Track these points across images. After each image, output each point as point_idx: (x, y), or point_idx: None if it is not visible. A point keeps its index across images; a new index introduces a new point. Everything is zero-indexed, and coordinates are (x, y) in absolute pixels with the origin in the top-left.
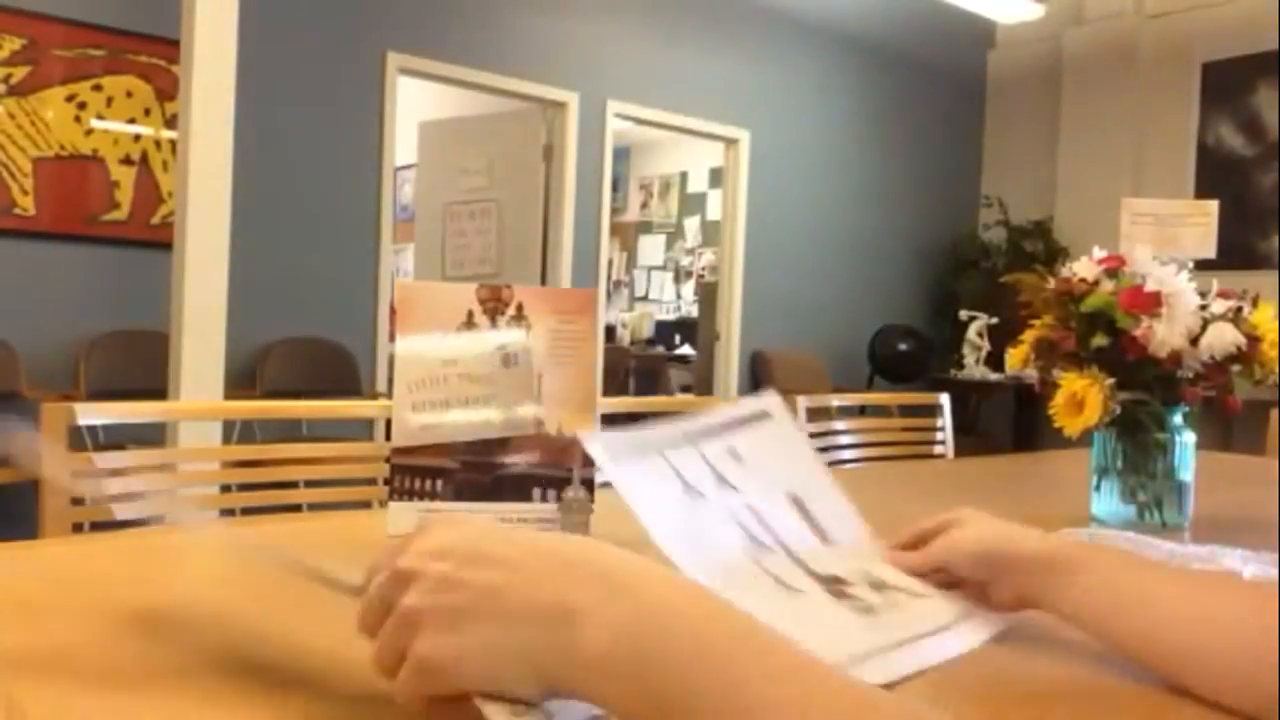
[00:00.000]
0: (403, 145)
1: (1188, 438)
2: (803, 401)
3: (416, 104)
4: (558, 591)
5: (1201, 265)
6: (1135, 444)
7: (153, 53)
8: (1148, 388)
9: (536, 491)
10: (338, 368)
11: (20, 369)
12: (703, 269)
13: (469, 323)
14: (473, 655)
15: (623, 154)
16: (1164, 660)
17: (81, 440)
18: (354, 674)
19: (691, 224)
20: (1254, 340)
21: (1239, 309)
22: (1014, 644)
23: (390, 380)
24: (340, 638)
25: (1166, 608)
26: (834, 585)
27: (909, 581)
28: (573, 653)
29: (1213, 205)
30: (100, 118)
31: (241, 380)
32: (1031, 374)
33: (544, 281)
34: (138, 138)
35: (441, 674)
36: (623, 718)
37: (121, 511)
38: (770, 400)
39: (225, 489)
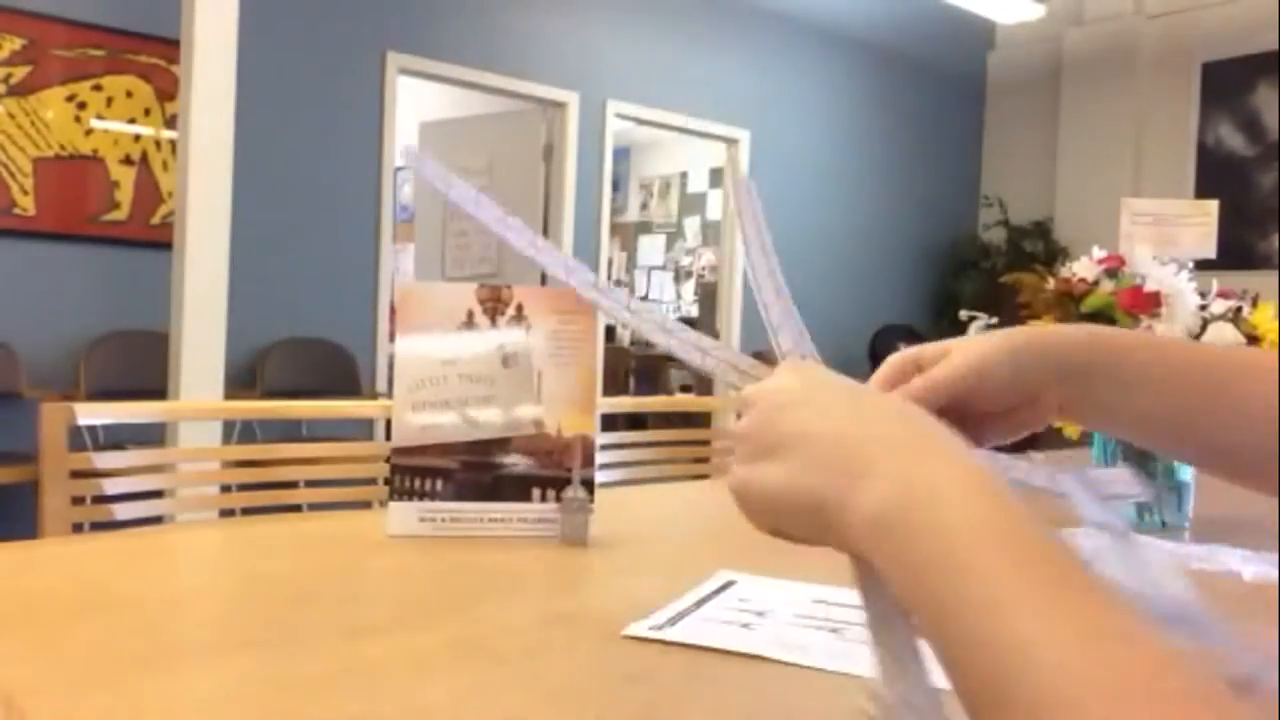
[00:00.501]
0: (403, 145)
1: None
2: None
3: (416, 104)
4: (855, 447)
5: (1201, 265)
6: (1135, 444)
7: (153, 53)
8: None
9: (536, 492)
10: (338, 368)
11: (20, 369)
12: (703, 269)
13: (469, 323)
14: (766, 486)
15: (623, 154)
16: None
17: (81, 440)
18: (355, 674)
19: (691, 224)
20: (1254, 340)
21: (1239, 309)
22: None
23: (390, 380)
24: (341, 637)
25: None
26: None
27: None
28: (844, 513)
29: (1213, 205)
30: (100, 118)
31: (241, 380)
32: None
33: (544, 281)
34: (138, 138)
35: (743, 497)
36: (888, 582)
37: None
38: None
39: (225, 489)
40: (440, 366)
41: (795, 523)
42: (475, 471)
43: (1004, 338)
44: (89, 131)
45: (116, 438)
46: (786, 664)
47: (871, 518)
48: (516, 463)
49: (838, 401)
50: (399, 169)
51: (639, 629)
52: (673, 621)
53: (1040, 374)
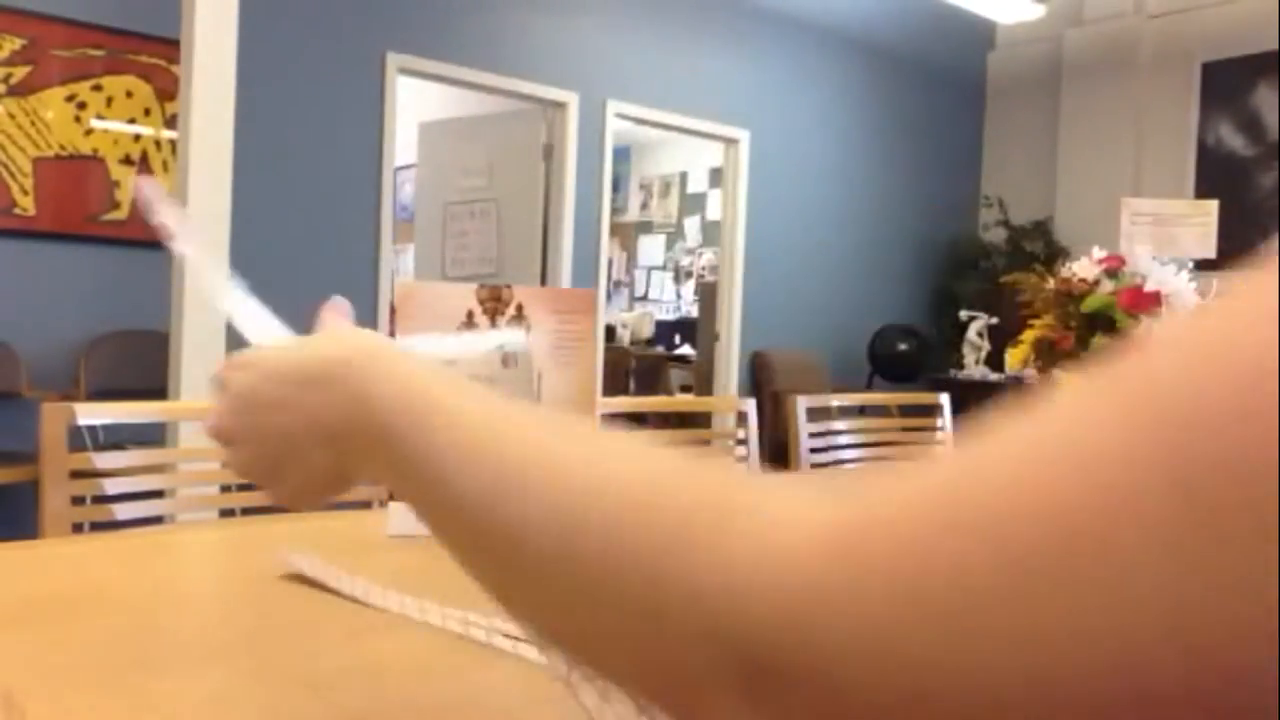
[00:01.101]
0: (403, 145)
1: None
2: (803, 401)
3: (416, 104)
4: (326, 409)
5: (1201, 265)
6: None
7: (153, 53)
8: None
9: None
10: None
11: (20, 369)
12: (703, 269)
13: (469, 323)
14: (296, 488)
15: (623, 154)
16: None
17: (81, 440)
18: (356, 673)
19: (691, 224)
20: None
21: None
22: None
23: None
24: (342, 637)
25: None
26: None
27: None
28: (341, 440)
29: (1213, 205)
30: (100, 118)
31: None
32: (1031, 374)
33: (544, 281)
34: (138, 138)
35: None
36: (385, 484)
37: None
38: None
39: (225, 489)
40: (440, 366)
41: (326, 485)
42: None
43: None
44: (89, 131)
45: (116, 438)
46: None
47: (348, 416)
48: None
49: (280, 387)
50: (399, 169)
51: None
52: None
53: None
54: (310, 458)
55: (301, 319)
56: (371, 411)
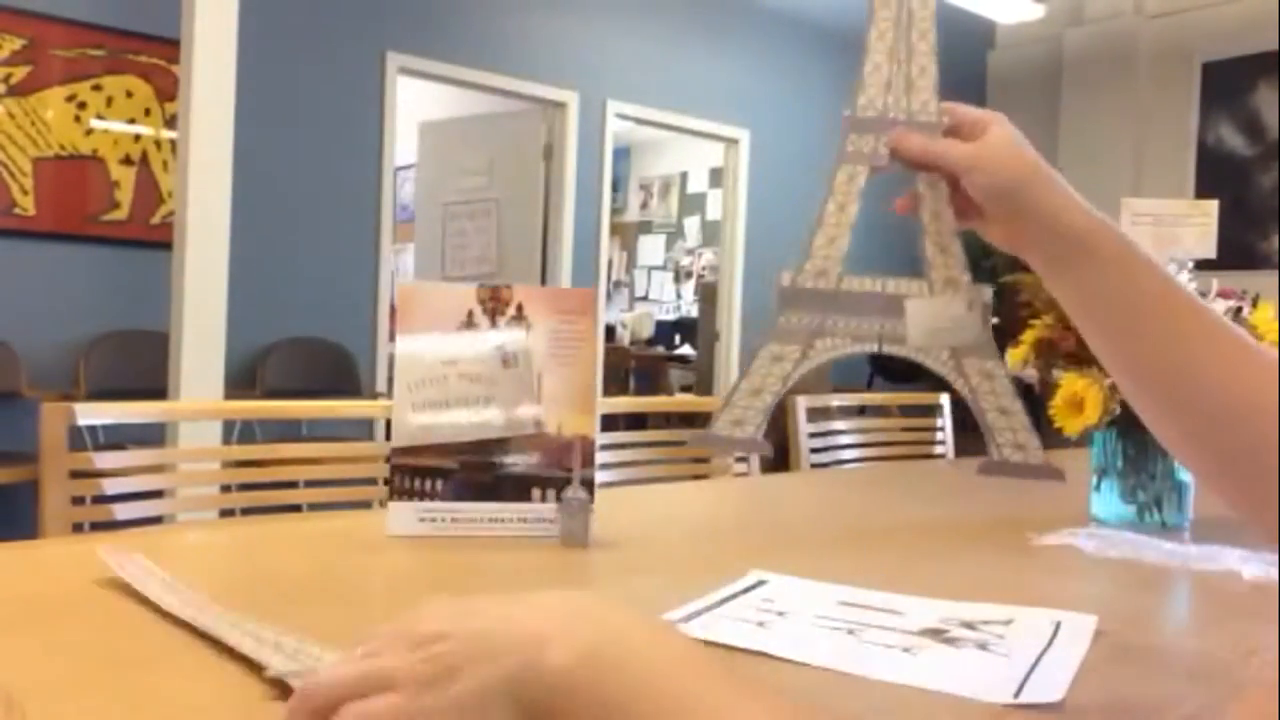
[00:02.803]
0: (403, 145)
1: None
2: (803, 401)
3: (416, 104)
4: (531, 621)
5: (1201, 265)
6: (1135, 444)
7: (153, 53)
8: None
9: (536, 492)
10: (338, 368)
11: (20, 369)
12: (703, 269)
13: (469, 323)
14: (468, 696)
15: (623, 154)
16: (1141, 393)
17: (81, 440)
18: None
19: (691, 224)
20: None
21: (1239, 309)
22: (1117, 648)
23: (390, 380)
24: (341, 637)
25: (1186, 341)
26: (939, 636)
27: (987, 611)
28: (542, 671)
29: (1213, 205)
30: (100, 118)
31: (241, 380)
32: (1031, 374)
33: (544, 281)
34: (138, 138)
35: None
36: None
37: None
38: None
39: (225, 489)
40: (440, 366)
41: (502, 707)
42: (475, 471)
43: (1006, 170)
44: (89, 131)
45: (116, 438)
46: (794, 663)
47: (567, 667)
48: (516, 463)
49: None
50: (399, 169)
51: None
52: (689, 618)
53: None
54: (497, 666)
55: (301, 319)
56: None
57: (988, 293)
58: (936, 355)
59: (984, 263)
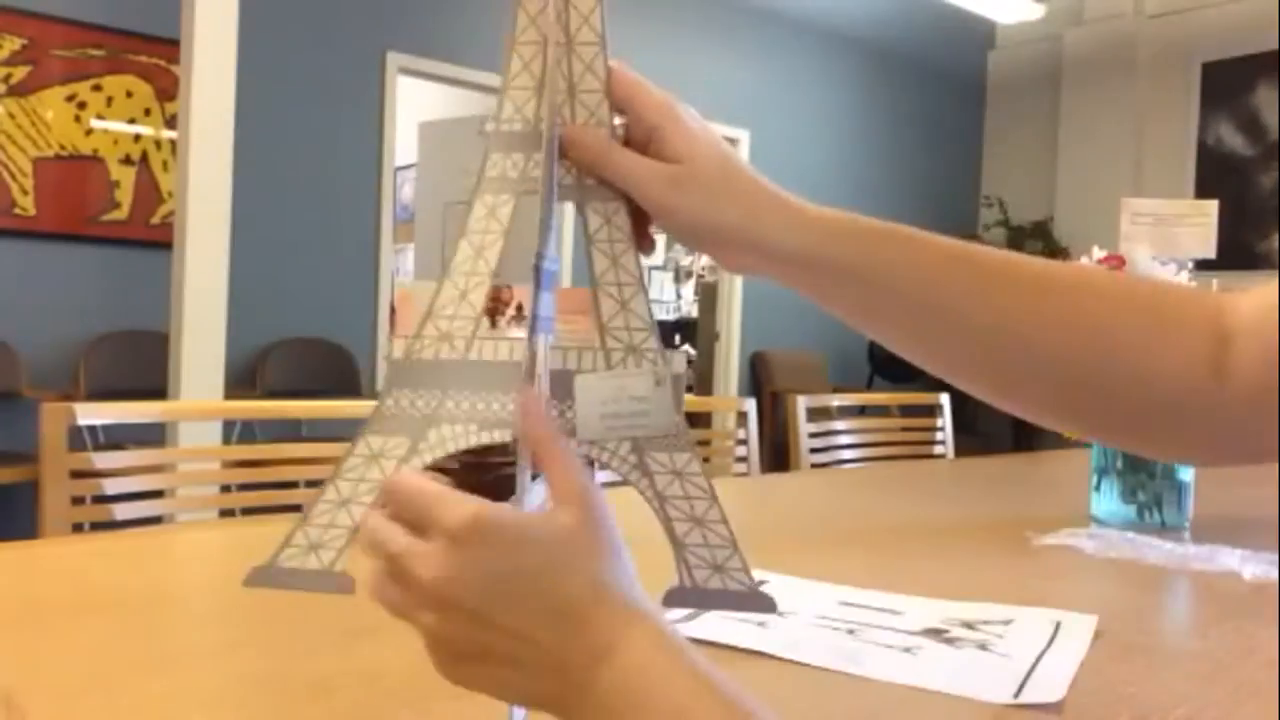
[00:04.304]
0: (403, 145)
1: None
2: (803, 401)
3: (416, 104)
4: (563, 650)
5: (1201, 265)
6: None
7: (153, 53)
8: None
9: None
10: (338, 368)
11: (20, 369)
12: (703, 269)
13: None
14: (493, 687)
15: None
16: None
17: (81, 440)
18: (355, 674)
19: None
20: None
21: None
22: (1117, 648)
23: None
24: (342, 637)
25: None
26: (939, 636)
27: (987, 611)
28: (565, 702)
29: (1213, 205)
30: (100, 118)
31: (241, 380)
32: None
33: None
34: (138, 138)
35: (468, 686)
36: None
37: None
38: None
39: (225, 489)
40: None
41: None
42: (475, 471)
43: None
44: (89, 131)
45: (116, 438)
46: (794, 663)
47: (602, 697)
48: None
49: (526, 593)
50: (399, 169)
51: None
52: (689, 618)
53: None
54: (526, 681)
55: (301, 319)
56: (600, 678)
57: (680, 363)
58: (613, 449)
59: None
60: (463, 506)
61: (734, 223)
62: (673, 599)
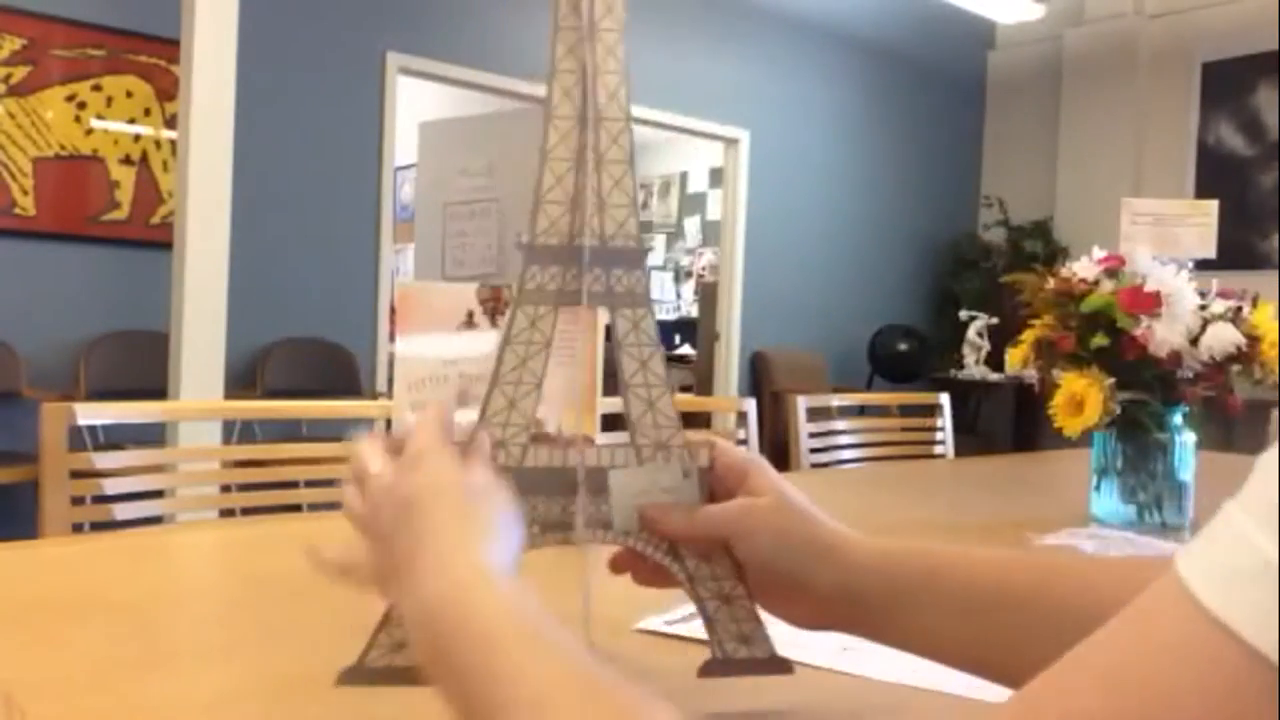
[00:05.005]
0: (403, 145)
1: (1187, 438)
2: (803, 401)
3: (416, 104)
4: (408, 551)
5: (1201, 265)
6: (1135, 444)
7: (153, 53)
8: (1148, 388)
9: None
10: (338, 368)
11: (20, 369)
12: (703, 269)
13: (469, 323)
14: (371, 553)
15: None
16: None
17: (81, 440)
18: None
19: (691, 224)
20: (1254, 340)
21: (1239, 309)
22: None
23: (390, 380)
24: (341, 637)
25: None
26: None
27: None
28: (401, 597)
29: (1213, 205)
30: (100, 118)
31: (241, 380)
32: (1031, 374)
33: None
34: (138, 138)
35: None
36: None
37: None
38: None
39: (225, 489)
40: (441, 366)
41: (379, 578)
42: None
43: (778, 517)
44: (89, 131)
45: (116, 438)
46: (794, 662)
47: (414, 614)
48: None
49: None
50: (399, 169)
51: (653, 623)
52: (689, 618)
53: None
54: (378, 559)
55: (301, 319)
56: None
57: (704, 456)
58: (647, 536)
59: (984, 263)
60: (419, 438)
61: (796, 562)
62: (708, 670)
